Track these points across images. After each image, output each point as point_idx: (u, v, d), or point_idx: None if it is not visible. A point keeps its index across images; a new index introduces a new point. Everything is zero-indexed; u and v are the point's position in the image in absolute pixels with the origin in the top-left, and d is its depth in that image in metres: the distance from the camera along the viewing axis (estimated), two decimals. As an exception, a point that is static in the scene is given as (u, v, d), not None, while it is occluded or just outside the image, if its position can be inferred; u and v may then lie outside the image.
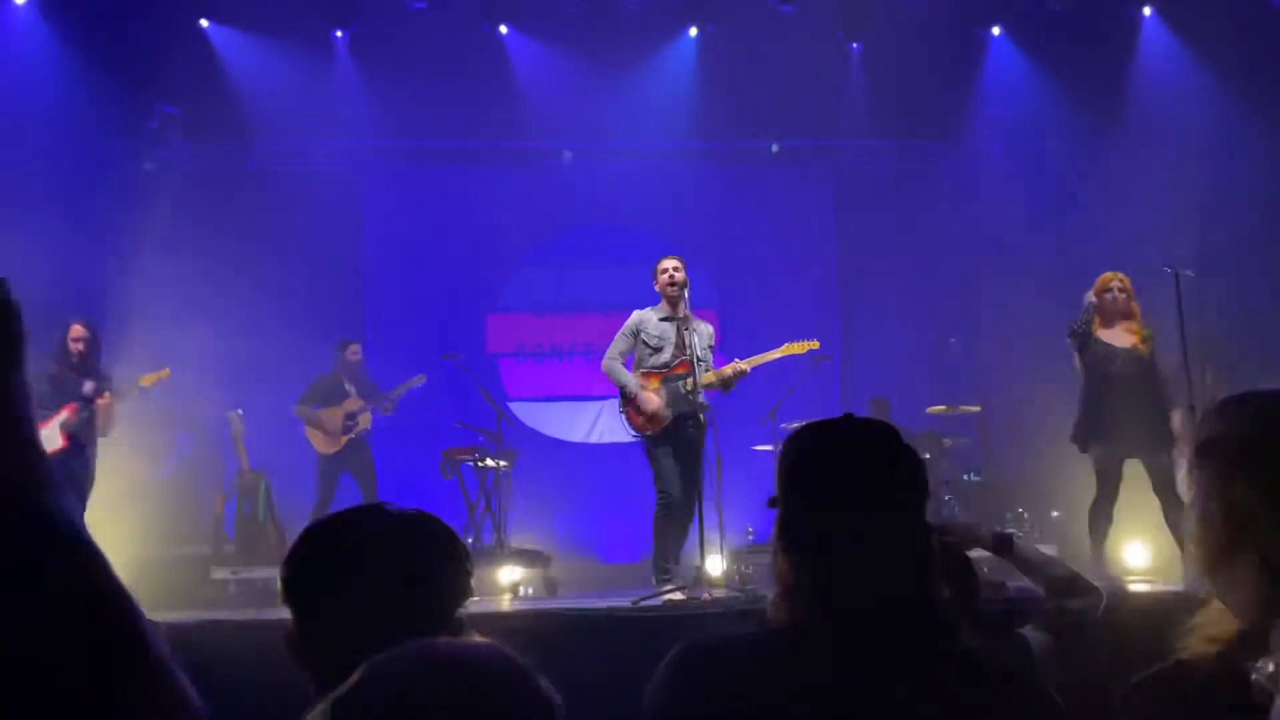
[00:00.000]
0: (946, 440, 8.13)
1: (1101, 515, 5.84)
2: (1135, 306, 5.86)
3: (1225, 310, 7.20)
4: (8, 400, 0.64)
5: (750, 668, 1.39)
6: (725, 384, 5.77)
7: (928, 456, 7.85)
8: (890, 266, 9.23)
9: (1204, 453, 1.29)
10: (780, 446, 1.55)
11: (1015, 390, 8.40)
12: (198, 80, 8.26)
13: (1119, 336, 5.85)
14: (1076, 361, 5.96)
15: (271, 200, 8.64)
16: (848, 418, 1.52)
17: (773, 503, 1.49)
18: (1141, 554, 5.74)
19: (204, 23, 8.45)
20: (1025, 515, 7.77)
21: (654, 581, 5.52)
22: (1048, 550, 7.24)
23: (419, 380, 7.86)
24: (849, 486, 1.43)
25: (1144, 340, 5.78)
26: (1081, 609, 2.41)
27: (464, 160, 9.40)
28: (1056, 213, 8.66)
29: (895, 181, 9.41)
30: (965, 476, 8.16)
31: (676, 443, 5.70)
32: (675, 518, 5.66)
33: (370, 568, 1.40)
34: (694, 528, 5.53)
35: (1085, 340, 5.87)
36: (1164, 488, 5.69)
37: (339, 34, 8.68)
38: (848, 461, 1.46)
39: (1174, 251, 6.38)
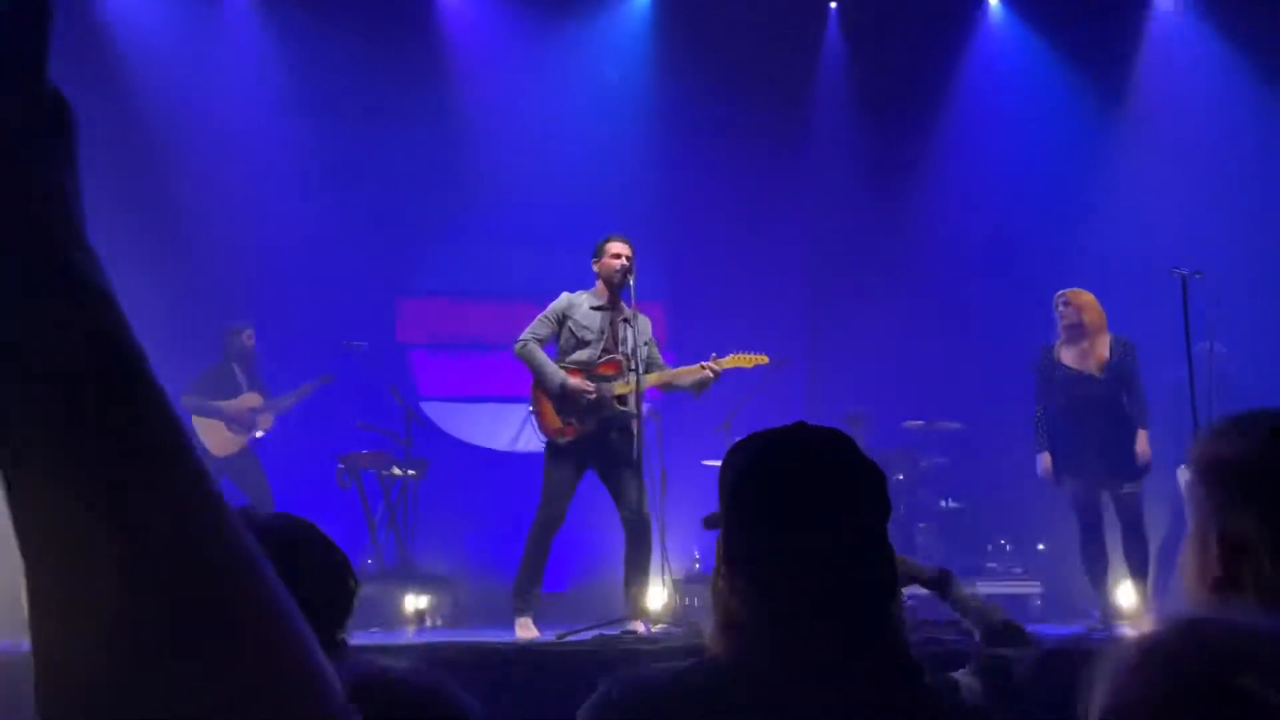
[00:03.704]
0: (923, 461, 8.17)
1: (1093, 554, 5.96)
2: (1089, 322, 6.00)
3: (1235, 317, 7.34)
4: None
5: (687, 706, 1.38)
6: (698, 385, 5.73)
7: (901, 478, 7.90)
8: (866, 260, 9.28)
9: (1204, 476, 1.30)
10: (724, 458, 1.54)
11: (1001, 406, 8.47)
12: (75, 28, 8.04)
13: (1079, 359, 6.01)
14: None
15: (157, 164, 8.42)
16: (799, 426, 1.51)
17: (711, 522, 1.49)
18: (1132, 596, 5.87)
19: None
20: (1007, 547, 7.87)
21: (515, 608, 5.50)
22: (1031, 587, 7.38)
23: (325, 380, 7.75)
24: (799, 505, 1.43)
25: (1101, 360, 5.95)
26: (1014, 658, 2.54)
27: (376, 121, 9.26)
28: (1056, 207, 8.77)
29: (874, 165, 9.46)
30: (942, 502, 8.22)
31: (594, 456, 5.65)
32: (634, 542, 5.64)
33: None
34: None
35: (1049, 374, 6.09)
36: (1127, 522, 5.87)
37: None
38: (798, 476, 1.45)
39: (1184, 251, 6.49)
